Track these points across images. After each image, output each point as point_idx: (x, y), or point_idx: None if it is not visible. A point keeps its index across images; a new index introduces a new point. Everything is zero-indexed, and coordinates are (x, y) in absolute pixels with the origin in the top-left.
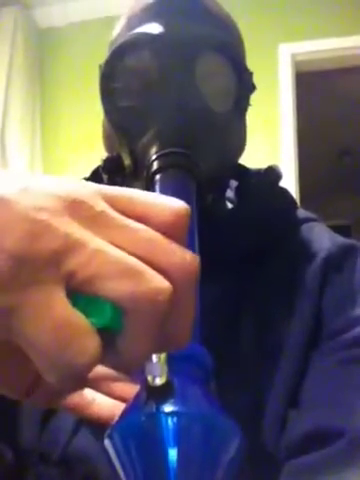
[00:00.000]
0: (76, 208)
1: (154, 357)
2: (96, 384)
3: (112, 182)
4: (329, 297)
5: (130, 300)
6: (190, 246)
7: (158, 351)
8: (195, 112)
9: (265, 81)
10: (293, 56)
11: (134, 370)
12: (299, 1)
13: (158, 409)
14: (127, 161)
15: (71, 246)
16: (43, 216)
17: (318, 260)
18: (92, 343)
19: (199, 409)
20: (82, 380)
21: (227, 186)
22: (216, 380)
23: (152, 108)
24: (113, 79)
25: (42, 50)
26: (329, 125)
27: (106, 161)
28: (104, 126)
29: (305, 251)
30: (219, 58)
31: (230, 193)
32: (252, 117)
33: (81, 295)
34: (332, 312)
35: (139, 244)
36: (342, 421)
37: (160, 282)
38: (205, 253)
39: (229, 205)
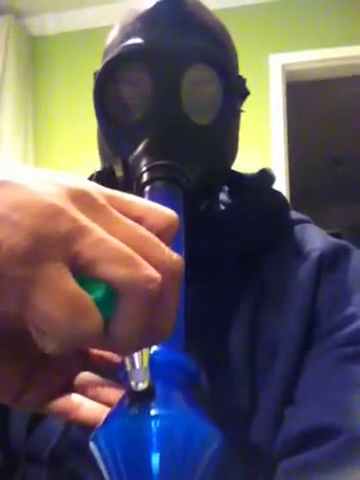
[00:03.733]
0: (80, 199)
1: (137, 363)
2: (83, 389)
3: None
4: (323, 296)
5: (126, 283)
6: (177, 252)
7: (144, 344)
8: (184, 125)
9: (256, 91)
10: (284, 66)
11: (125, 352)
12: (289, 12)
13: (140, 412)
14: (119, 173)
15: (79, 230)
16: (56, 200)
17: (312, 260)
18: (97, 315)
19: (180, 412)
20: (82, 346)
21: (220, 191)
22: (209, 380)
23: (143, 121)
24: (106, 91)
25: (34, 59)
26: (320, 134)
27: (99, 173)
28: (99, 135)
29: (299, 251)
30: (208, 69)
31: (223, 196)
32: (243, 127)
33: (78, 277)
34: (326, 311)
35: (134, 239)
36: (339, 419)
37: (153, 272)
38: (198, 256)
39: (223, 207)
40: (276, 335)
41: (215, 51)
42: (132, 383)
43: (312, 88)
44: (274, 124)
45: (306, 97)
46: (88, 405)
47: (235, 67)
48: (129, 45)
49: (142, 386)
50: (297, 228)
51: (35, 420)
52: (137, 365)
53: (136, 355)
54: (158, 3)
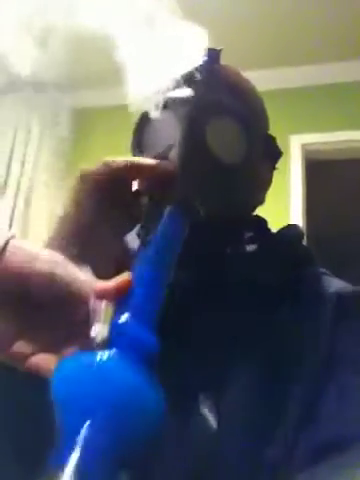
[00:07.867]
0: None
1: (102, 318)
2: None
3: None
4: (342, 333)
5: None
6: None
7: None
8: (204, 162)
9: (278, 168)
10: (303, 146)
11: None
12: (308, 97)
13: (88, 355)
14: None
15: None
16: None
17: (333, 299)
18: None
19: (131, 365)
20: None
21: (245, 236)
22: (223, 420)
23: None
24: (141, 138)
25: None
26: (337, 210)
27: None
28: None
29: (321, 293)
30: (230, 120)
31: (252, 247)
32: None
33: None
34: (345, 346)
35: None
36: (354, 430)
37: None
38: (219, 288)
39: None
40: (294, 368)
41: (239, 107)
42: (92, 334)
43: (329, 167)
44: (293, 200)
45: (324, 175)
46: (43, 356)
47: (262, 125)
48: (165, 94)
49: (100, 338)
50: (322, 277)
51: None
52: (101, 320)
53: (103, 311)
54: (196, 66)
